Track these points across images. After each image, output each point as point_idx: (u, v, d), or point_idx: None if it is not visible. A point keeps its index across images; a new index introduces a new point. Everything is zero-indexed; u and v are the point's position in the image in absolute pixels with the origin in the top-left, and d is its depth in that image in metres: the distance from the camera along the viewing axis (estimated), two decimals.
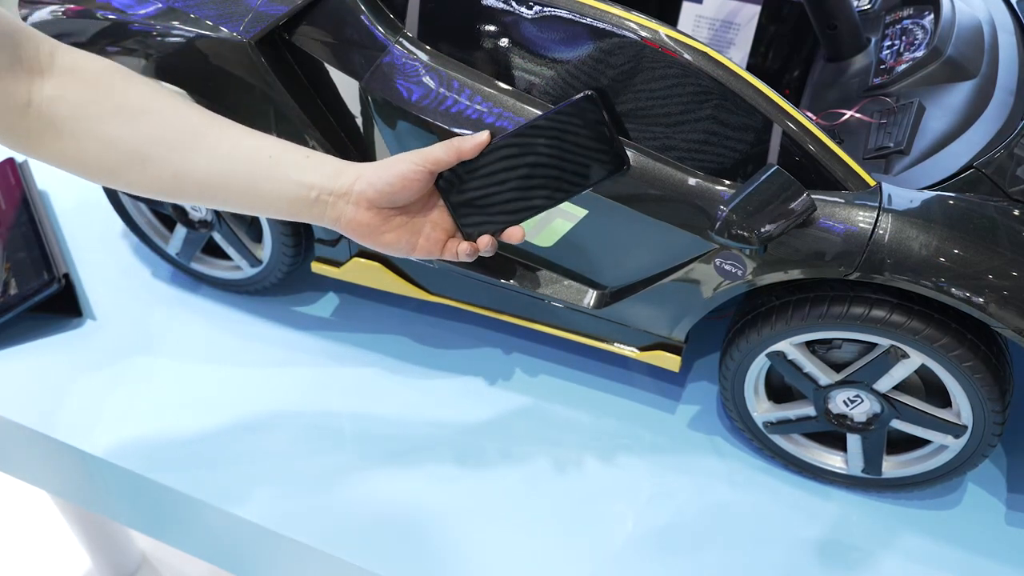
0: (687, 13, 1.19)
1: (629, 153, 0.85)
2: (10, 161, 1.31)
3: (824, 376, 0.89)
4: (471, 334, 1.12)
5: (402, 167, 0.72)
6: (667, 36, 0.82)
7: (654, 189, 0.84)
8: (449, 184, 0.74)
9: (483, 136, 0.72)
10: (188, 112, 0.75)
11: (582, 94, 0.70)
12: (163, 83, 0.95)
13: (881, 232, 0.78)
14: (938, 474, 0.91)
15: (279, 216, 0.77)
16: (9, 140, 0.72)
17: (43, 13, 1.01)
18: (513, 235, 0.75)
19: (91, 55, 0.75)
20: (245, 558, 1.01)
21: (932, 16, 1.01)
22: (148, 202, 1.13)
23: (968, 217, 0.79)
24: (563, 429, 1.01)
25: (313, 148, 0.95)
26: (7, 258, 1.15)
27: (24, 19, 1.02)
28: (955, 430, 0.86)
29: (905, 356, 0.84)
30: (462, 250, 0.75)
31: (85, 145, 0.72)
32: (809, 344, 0.88)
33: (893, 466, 0.93)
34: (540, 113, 0.77)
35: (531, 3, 0.85)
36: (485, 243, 0.75)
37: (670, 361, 0.97)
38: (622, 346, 0.99)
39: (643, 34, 0.82)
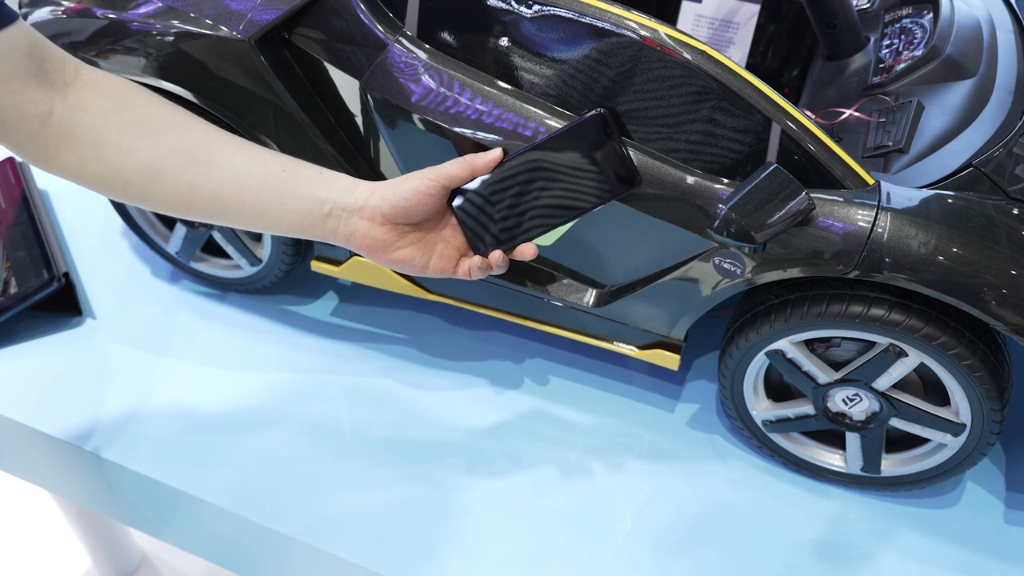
0: (686, 12, 1.19)
1: (629, 151, 0.85)
2: (10, 160, 1.31)
3: (823, 374, 0.89)
4: (470, 333, 1.12)
5: (416, 182, 0.73)
6: (666, 35, 0.82)
7: (654, 188, 0.85)
8: (461, 201, 0.74)
9: (496, 153, 0.73)
10: (204, 128, 0.77)
11: (592, 112, 0.71)
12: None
13: (880, 230, 0.78)
14: (937, 472, 0.91)
15: (290, 233, 0.77)
16: (29, 150, 0.73)
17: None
18: (525, 252, 0.76)
19: (113, 75, 0.76)
20: (245, 557, 1.01)
21: (931, 15, 1.01)
22: None
23: (967, 215, 0.80)
24: (562, 428, 1.02)
25: (312, 145, 0.95)
26: (7, 257, 1.15)
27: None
28: (954, 428, 0.86)
29: (904, 354, 0.84)
30: (474, 265, 0.76)
31: (102, 153, 0.73)
32: (808, 342, 0.89)
33: (892, 464, 0.93)
34: (546, 130, 0.77)
35: (530, 2, 0.85)
36: (496, 258, 0.75)
37: (669, 360, 0.97)
38: (621, 344, 0.99)
39: (643, 33, 0.82)
